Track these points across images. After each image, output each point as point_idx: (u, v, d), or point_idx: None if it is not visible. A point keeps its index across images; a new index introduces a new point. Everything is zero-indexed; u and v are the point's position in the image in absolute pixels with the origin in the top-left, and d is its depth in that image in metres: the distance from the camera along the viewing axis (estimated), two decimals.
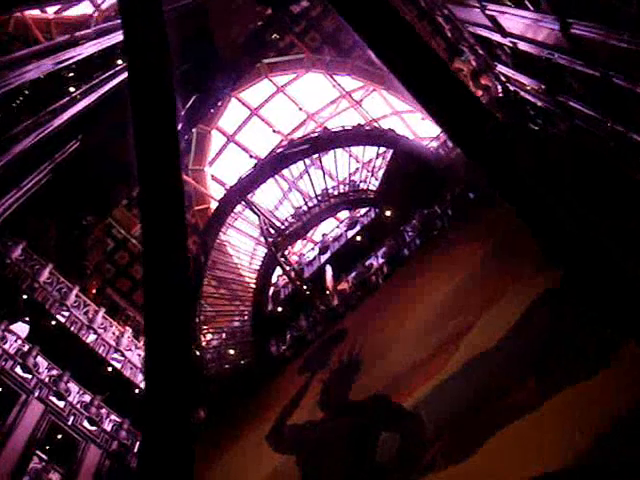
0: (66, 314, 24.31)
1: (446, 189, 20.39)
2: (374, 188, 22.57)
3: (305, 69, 29.78)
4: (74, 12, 27.46)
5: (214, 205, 30.89)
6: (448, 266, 16.64)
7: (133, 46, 4.35)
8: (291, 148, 19.97)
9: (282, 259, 20.51)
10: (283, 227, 21.22)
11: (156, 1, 4.27)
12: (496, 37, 14.95)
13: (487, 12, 13.59)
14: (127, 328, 29.85)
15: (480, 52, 19.06)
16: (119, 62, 18.69)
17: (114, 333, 25.99)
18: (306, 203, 21.20)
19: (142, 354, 26.47)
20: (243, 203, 20.86)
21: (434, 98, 4.16)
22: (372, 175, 22.22)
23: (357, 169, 22.52)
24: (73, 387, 22.62)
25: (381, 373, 15.32)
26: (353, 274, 20.57)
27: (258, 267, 22.43)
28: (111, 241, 31.09)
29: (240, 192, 19.99)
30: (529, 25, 12.29)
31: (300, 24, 28.37)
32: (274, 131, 32.64)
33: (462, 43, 22.15)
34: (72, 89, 21.35)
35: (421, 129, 32.89)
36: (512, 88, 19.72)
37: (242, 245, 23.60)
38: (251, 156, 32.03)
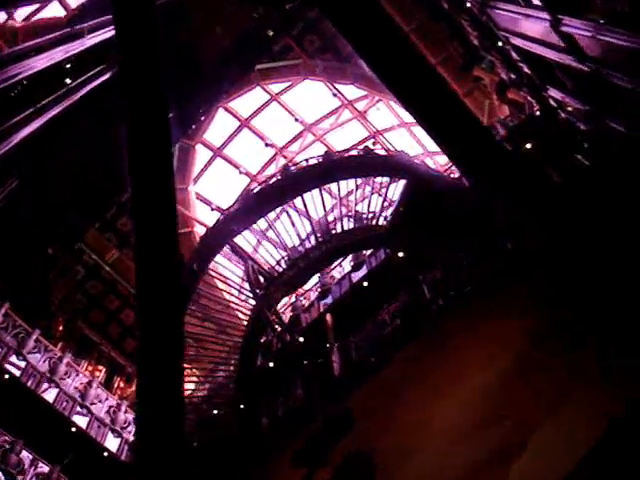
0: (22, 365, 20.77)
1: (474, 231, 16.98)
2: (383, 223, 19.07)
3: (302, 76, 26.17)
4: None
5: (198, 230, 27.40)
6: (486, 341, 13.15)
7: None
8: (289, 179, 16.35)
9: (272, 316, 16.96)
10: (275, 274, 17.63)
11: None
12: (562, 58, 11.48)
13: (562, 29, 10.09)
14: (97, 374, 26.52)
15: (524, 69, 15.52)
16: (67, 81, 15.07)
17: (80, 383, 22.34)
18: (302, 243, 17.60)
19: (112, 405, 22.98)
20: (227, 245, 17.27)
21: (433, 119, 5.36)
22: (381, 209, 18.68)
23: (363, 201, 18.96)
24: (27, 457, 19.08)
25: None
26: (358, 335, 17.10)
27: (247, 315, 18.89)
28: (82, 268, 27.44)
29: (223, 234, 16.41)
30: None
31: (297, 26, 24.72)
32: (267, 144, 29.08)
33: (491, 52, 18.58)
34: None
35: (432, 144, 29.31)
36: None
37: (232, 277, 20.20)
38: (241, 172, 28.58)
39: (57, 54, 18.57)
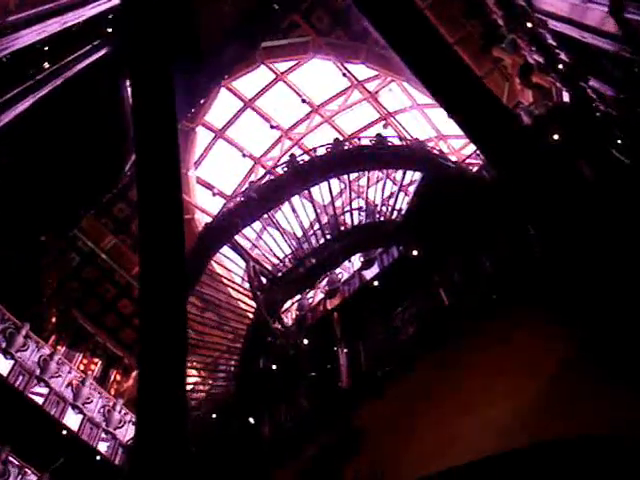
0: (10, 364, 19.52)
1: (497, 229, 15.51)
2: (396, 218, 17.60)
3: (310, 54, 24.48)
4: None
5: (199, 217, 25.97)
6: (520, 352, 11.69)
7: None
8: (295, 170, 14.84)
9: (274, 321, 15.57)
10: (279, 274, 16.19)
11: None
12: (614, 47, 9.93)
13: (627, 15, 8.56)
14: (92, 367, 25.31)
15: (559, 54, 13.92)
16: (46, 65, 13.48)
17: (72, 382, 21.09)
18: (307, 240, 16.11)
19: (106, 404, 21.74)
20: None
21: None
22: (394, 203, 17.20)
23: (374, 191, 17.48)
24: (13, 465, 17.90)
25: None
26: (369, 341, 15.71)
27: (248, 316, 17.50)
28: (76, 255, 26.07)
29: (222, 232, 14.97)
30: None
31: (305, 1, 23.02)
32: (272, 126, 27.52)
33: (517, 33, 16.93)
34: None
35: (446, 127, 27.77)
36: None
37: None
38: (244, 155, 27.17)
39: (52, 26, 17.05)
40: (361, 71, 25.94)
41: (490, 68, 23.50)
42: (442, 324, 14.30)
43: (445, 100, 13.40)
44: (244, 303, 17.06)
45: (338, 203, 18.44)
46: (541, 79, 18.54)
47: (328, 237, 16.24)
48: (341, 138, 27.42)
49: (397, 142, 17.11)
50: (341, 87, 27.18)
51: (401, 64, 23.32)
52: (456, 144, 28.38)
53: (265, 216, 15.76)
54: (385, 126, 27.74)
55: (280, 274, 15.99)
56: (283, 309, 17.17)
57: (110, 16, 15.52)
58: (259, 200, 14.81)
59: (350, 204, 16.49)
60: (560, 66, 15.44)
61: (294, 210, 15.65)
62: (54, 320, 24.86)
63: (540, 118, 16.98)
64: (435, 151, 17.73)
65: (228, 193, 28.13)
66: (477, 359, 12.49)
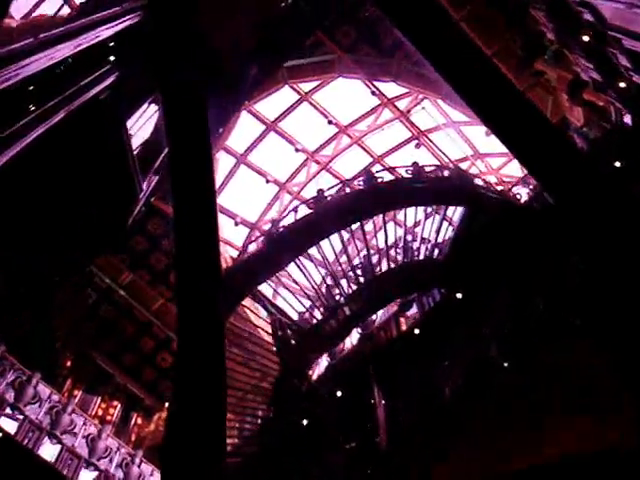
0: (19, 418, 17.98)
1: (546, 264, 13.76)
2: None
3: (337, 73, 22.76)
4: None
5: (221, 248, 24.26)
6: None
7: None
8: (325, 212, 13.10)
9: (302, 381, 13.79)
10: (307, 327, 14.40)
11: None
12: None
13: None
14: (111, 411, 23.76)
15: (634, 77, 12.01)
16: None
17: (88, 435, 19.47)
18: (339, 285, 14.31)
19: (127, 457, 20.11)
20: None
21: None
22: (435, 240, 15.37)
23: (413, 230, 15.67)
24: None
25: None
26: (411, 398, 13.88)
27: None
28: (92, 292, 24.56)
29: (243, 281, 13.25)
30: None
31: (329, 16, 21.31)
32: (297, 150, 25.84)
33: (571, 47, 15.04)
34: None
35: (484, 145, 25.86)
36: None
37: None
38: (268, 180, 25.40)
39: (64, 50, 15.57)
40: (391, 89, 24.15)
41: (532, 82, 21.58)
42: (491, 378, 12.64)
43: (489, 119, 12.07)
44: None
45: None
46: (595, 97, 16.61)
47: (361, 281, 14.42)
48: (372, 159, 25.87)
49: (436, 171, 15.17)
50: (370, 106, 25.40)
51: (436, 80, 21.73)
52: (494, 163, 26.45)
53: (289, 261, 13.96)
54: (417, 146, 25.97)
55: (309, 327, 14.19)
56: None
57: (113, 43, 13.94)
58: (284, 242, 13.07)
59: (386, 245, 14.65)
60: (622, 84, 13.54)
61: (323, 255, 13.86)
62: (69, 363, 23.34)
63: (597, 142, 15.08)
64: (478, 180, 15.80)
65: (252, 221, 26.54)
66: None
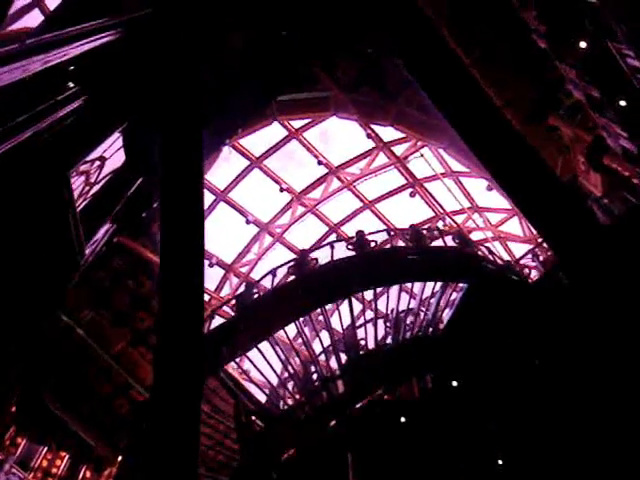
0: None
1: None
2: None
3: (331, 112, 20.89)
4: None
5: None
6: None
7: None
8: (303, 284, 11.11)
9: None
10: (278, 412, 12.30)
11: None
12: None
13: None
14: (57, 463, 21.44)
15: None
16: None
17: None
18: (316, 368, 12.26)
19: None
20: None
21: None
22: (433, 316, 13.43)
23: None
24: None
25: None
26: None
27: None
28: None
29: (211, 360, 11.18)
30: None
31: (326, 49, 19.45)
32: (282, 189, 23.91)
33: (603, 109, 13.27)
34: None
35: (483, 198, 24.12)
36: None
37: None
38: (248, 221, 23.44)
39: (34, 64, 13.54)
40: (387, 132, 22.37)
41: (543, 137, 19.81)
42: None
43: (502, 180, 11.25)
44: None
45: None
46: (619, 164, 14.85)
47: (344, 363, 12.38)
48: (362, 204, 23.99)
49: (437, 236, 13.27)
50: (364, 148, 23.57)
51: (439, 128, 19.93)
52: (494, 219, 24.70)
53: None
54: (412, 194, 24.16)
55: (280, 413, 12.10)
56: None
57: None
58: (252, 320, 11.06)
59: (376, 319, 12.68)
60: None
61: (301, 332, 11.82)
62: (13, 409, 21.01)
63: (623, 220, 13.28)
64: (483, 249, 13.91)
65: (228, 262, 24.53)
66: None
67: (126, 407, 23.74)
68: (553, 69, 16.27)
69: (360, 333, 13.39)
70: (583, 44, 11.68)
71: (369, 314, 13.66)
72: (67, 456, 22.40)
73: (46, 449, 21.86)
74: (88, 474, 22.73)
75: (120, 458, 22.76)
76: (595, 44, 11.19)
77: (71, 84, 11.73)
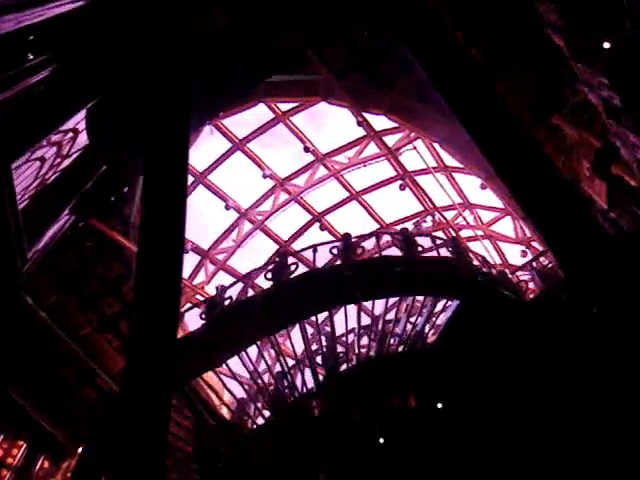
0: None
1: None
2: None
3: (320, 97, 19.58)
4: None
5: None
6: None
7: None
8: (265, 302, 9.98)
9: None
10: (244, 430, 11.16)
11: None
12: None
13: None
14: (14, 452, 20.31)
15: None
16: None
17: None
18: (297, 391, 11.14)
19: None
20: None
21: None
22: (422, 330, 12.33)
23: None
24: None
25: None
26: None
27: None
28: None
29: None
30: None
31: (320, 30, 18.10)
32: (265, 175, 22.64)
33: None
34: None
35: (475, 195, 23.02)
36: None
37: None
38: (228, 206, 22.18)
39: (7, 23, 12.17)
40: (379, 121, 21.10)
41: (544, 136, 18.67)
42: None
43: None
44: None
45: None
46: (628, 175, 13.77)
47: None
48: (349, 194, 22.82)
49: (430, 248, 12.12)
50: (354, 137, 22.31)
51: (436, 121, 18.73)
52: (485, 217, 23.65)
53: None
54: (402, 187, 22.99)
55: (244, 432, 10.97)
56: None
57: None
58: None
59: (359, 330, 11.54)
60: None
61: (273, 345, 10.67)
62: None
63: (633, 237, 12.23)
64: (477, 260, 12.79)
65: (204, 248, 23.32)
66: None
67: (91, 395, 22.65)
68: (565, 66, 15.13)
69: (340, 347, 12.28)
70: (607, 44, 10.51)
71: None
72: (24, 445, 21.24)
73: (2, 437, 20.66)
74: (46, 464, 21.58)
75: (80, 449, 21.60)
76: (626, 45, 10.03)
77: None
